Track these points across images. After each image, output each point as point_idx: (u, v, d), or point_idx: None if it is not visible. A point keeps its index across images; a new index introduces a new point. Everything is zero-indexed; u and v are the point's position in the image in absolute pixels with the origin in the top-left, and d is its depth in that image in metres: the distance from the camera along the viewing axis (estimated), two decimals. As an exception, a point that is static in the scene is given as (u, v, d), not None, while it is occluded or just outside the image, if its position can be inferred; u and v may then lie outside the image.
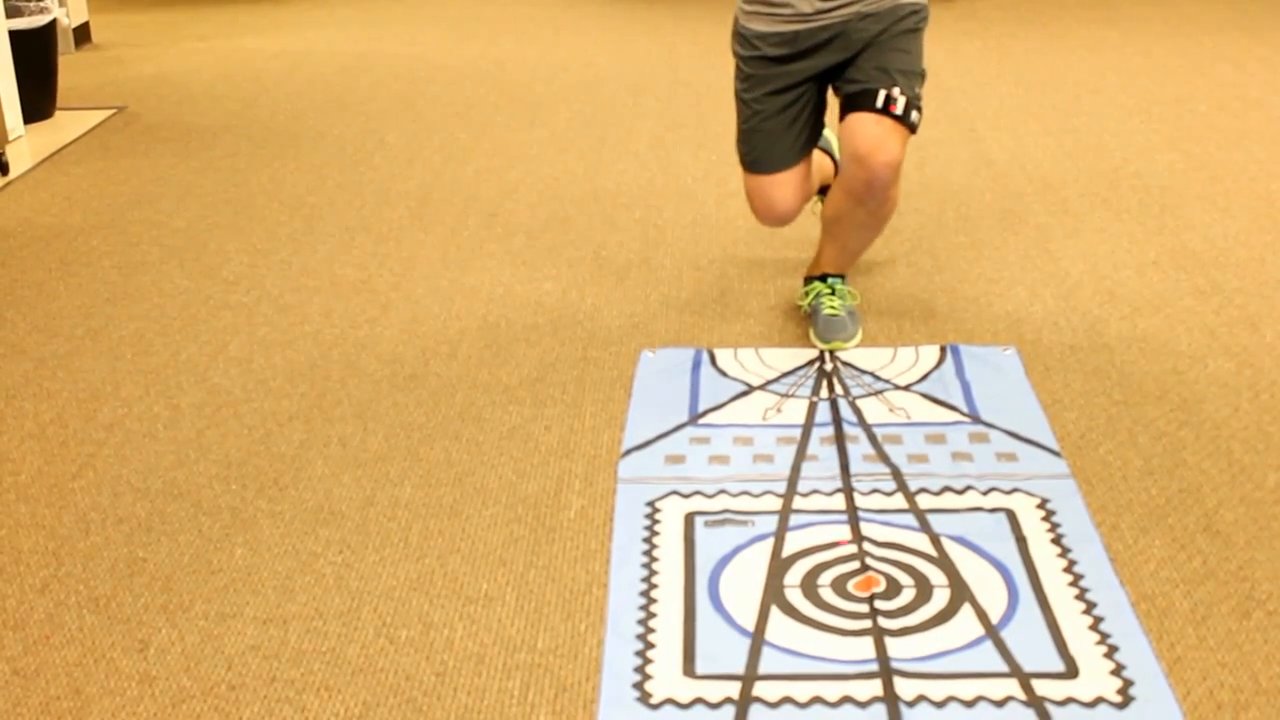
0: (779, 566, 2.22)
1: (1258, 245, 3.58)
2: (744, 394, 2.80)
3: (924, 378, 2.86)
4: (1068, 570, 2.20)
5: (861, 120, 2.76)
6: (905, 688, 1.93)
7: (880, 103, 2.75)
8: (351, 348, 3.08)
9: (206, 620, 2.14)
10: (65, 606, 2.19)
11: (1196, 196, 3.96)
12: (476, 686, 1.98)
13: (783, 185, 2.95)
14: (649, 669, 1.99)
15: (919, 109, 2.79)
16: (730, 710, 1.90)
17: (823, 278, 3.09)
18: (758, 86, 2.89)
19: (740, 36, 2.90)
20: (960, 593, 2.15)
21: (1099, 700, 1.91)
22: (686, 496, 2.43)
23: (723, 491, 2.44)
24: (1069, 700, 1.91)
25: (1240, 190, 4.01)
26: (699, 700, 1.92)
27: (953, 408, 2.73)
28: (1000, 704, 1.90)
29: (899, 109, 2.75)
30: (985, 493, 2.42)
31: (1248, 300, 3.23)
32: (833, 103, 2.93)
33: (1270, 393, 2.79)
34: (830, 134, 3.20)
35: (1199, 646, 2.04)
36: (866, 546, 2.27)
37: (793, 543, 2.29)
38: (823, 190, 3.27)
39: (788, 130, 2.91)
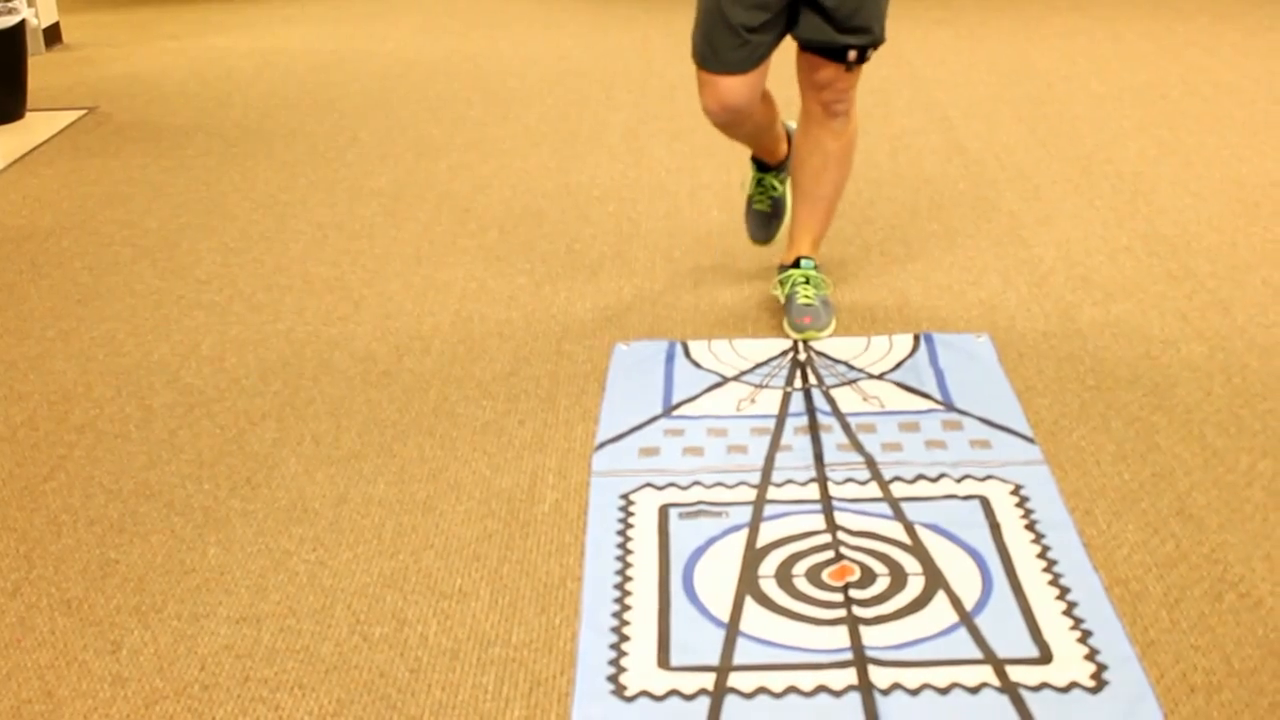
0: (753, 557, 2.22)
1: (1229, 229, 3.59)
2: (718, 385, 2.80)
3: (897, 366, 2.86)
4: (1041, 556, 2.20)
5: (818, 59, 2.89)
6: (880, 676, 1.93)
7: (838, 58, 2.87)
8: (324, 345, 3.07)
9: (179, 620, 2.13)
10: (37, 609, 2.17)
11: (1168, 181, 3.97)
12: (451, 682, 1.97)
13: (737, 85, 2.90)
14: (623, 661, 1.98)
15: (876, 43, 2.86)
16: (705, 701, 1.90)
17: (797, 263, 3.09)
18: None
19: None
20: (934, 580, 2.15)
21: (1073, 685, 1.91)
22: (661, 488, 2.43)
23: (697, 483, 2.44)
24: (1043, 685, 1.91)
25: (1212, 175, 4.02)
26: (674, 692, 1.92)
27: (926, 396, 2.74)
28: (974, 690, 1.90)
29: (854, 58, 2.86)
30: (959, 480, 2.43)
31: (1219, 284, 3.24)
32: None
33: (1242, 376, 2.80)
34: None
35: (1172, 630, 2.04)
36: (841, 536, 2.27)
37: (767, 533, 2.28)
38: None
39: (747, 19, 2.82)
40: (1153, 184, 3.95)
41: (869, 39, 2.82)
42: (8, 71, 5.04)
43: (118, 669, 2.02)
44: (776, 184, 3.32)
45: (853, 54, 2.83)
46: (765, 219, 3.36)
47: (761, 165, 3.30)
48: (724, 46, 2.83)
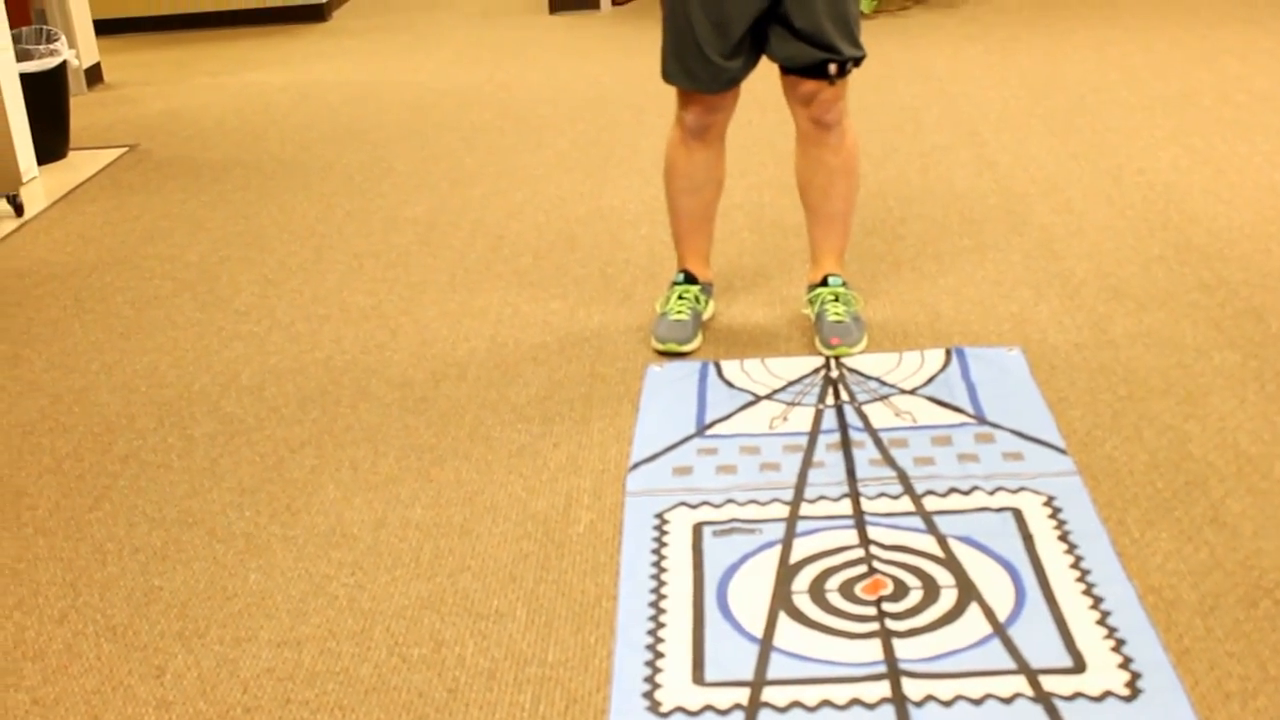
0: (787, 573, 2.24)
1: (1262, 237, 3.58)
2: (750, 404, 2.82)
3: (929, 381, 2.87)
4: (1075, 566, 2.21)
5: (799, 76, 2.94)
6: (913, 688, 1.94)
7: (819, 74, 2.91)
8: (362, 373, 3.11)
9: (222, 645, 2.17)
10: (83, 636, 2.22)
11: (1200, 190, 3.96)
12: (488, 701, 2.00)
13: (711, 98, 2.98)
14: (658, 678, 2.00)
15: (856, 59, 2.90)
16: (739, 716, 1.91)
17: (825, 281, 3.11)
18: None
19: None
20: (967, 592, 2.16)
21: (1107, 694, 1.91)
22: (694, 507, 2.45)
23: (730, 501, 2.46)
24: (1077, 695, 1.91)
25: (1244, 183, 4.01)
26: (708, 707, 1.93)
27: (958, 410, 2.74)
28: (1008, 701, 1.91)
29: (835, 71, 2.89)
30: (992, 492, 2.43)
31: (1253, 292, 3.24)
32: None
33: (1276, 383, 2.80)
34: None
35: (1206, 637, 2.04)
36: (874, 550, 2.28)
37: (800, 549, 2.30)
38: None
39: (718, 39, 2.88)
40: (1184, 193, 3.95)
41: (843, 56, 2.87)
42: (51, 111, 5.13)
43: (162, 693, 2.06)
44: (701, 298, 3.19)
45: (833, 67, 2.87)
46: (682, 325, 3.12)
47: (690, 278, 3.20)
48: (697, 68, 2.91)
